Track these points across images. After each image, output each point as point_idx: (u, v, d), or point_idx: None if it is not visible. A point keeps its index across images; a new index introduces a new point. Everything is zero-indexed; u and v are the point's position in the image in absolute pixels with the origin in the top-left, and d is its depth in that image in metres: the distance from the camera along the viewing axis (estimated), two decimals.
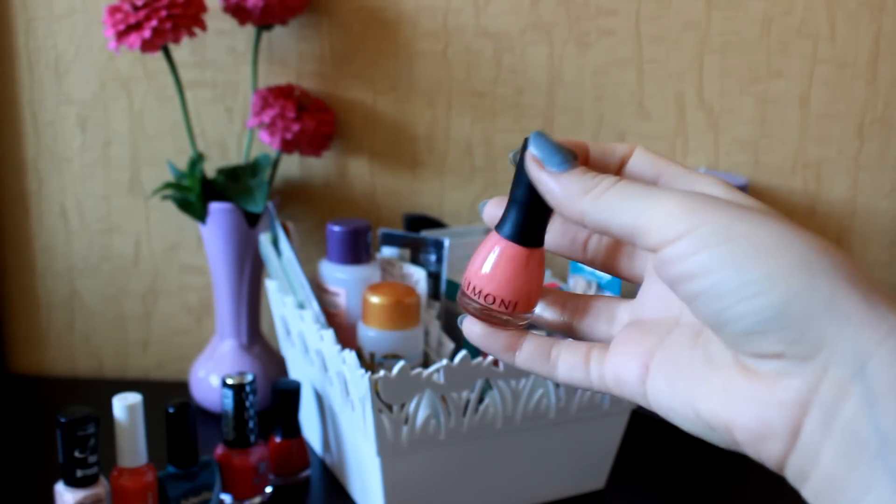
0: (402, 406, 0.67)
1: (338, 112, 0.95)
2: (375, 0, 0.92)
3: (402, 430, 0.68)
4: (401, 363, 0.66)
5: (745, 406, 0.31)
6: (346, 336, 0.79)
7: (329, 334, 0.71)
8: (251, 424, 0.73)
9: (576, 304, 0.40)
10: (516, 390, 0.70)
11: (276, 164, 0.90)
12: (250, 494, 0.74)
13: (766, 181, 0.95)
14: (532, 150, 0.35)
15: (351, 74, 0.94)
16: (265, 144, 0.91)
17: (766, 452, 0.31)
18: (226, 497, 0.74)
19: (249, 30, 0.92)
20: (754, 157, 0.95)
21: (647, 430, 0.87)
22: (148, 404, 0.68)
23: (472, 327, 0.39)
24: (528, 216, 0.37)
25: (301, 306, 0.79)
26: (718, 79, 0.93)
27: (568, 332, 0.40)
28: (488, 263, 0.38)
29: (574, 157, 0.35)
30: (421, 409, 0.68)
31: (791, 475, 0.31)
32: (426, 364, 0.75)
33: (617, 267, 0.40)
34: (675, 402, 0.34)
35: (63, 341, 1.02)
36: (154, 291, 1.00)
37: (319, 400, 0.79)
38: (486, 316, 0.38)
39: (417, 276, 0.80)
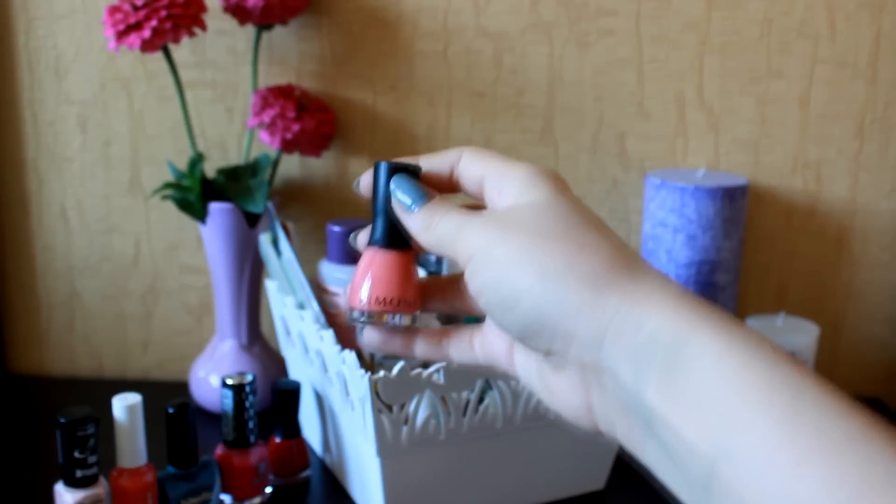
0: (402, 406, 0.67)
1: (338, 112, 0.95)
2: (375, 0, 0.92)
3: (402, 430, 0.68)
4: (401, 363, 0.66)
5: (559, 394, 0.38)
6: (346, 336, 0.79)
7: (329, 334, 0.71)
8: (251, 425, 0.73)
9: (451, 288, 0.45)
10: (516, 390, 0.70)
11: (276, 164, 0.90)
12: (250, 495, 0.74)
13: (766, 181, 0.95)
14: (394, 193, 0.41)
15: (351, 74, 0.94)
16: (265, 144, 0.91)
17: (583, 427, 0.37)
18: (226, 497, 0.74)
19: (249, 30, 0.92)
20: (754, 157, 0.95)
21: None
22: (148, 404, 0.68)
23: (370, 335, 0.44)
24: (391, 224, 0.42)
25: (301, 306, 0.79)
26: (718, 79, 0.93)
27: (456, 313, 0.45)
28: (366, 272, 0.41)
29: (427, 195, 0.41)
30: (421, 410, 0.68)
31: (611, 439, 0.36)
32: (426, 364, 0.75)
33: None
34: (529, 384, 0.40)
35: (63, 341, 1.02)
36: (154, 291, 1.00)
37: (319, 400, 0.79)
38: (375, 321, 0.42)
39: None
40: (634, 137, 0.95)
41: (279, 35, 0.93)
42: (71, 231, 0.99)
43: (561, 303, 0.35)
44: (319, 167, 0.96)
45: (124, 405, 0.65)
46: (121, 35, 0.80)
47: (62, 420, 0.62)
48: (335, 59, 0.94)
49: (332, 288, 0.81)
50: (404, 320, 0.42)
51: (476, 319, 0.44)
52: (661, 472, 0.33)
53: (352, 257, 0.81)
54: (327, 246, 0.82)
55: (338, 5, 0.93)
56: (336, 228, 0.81)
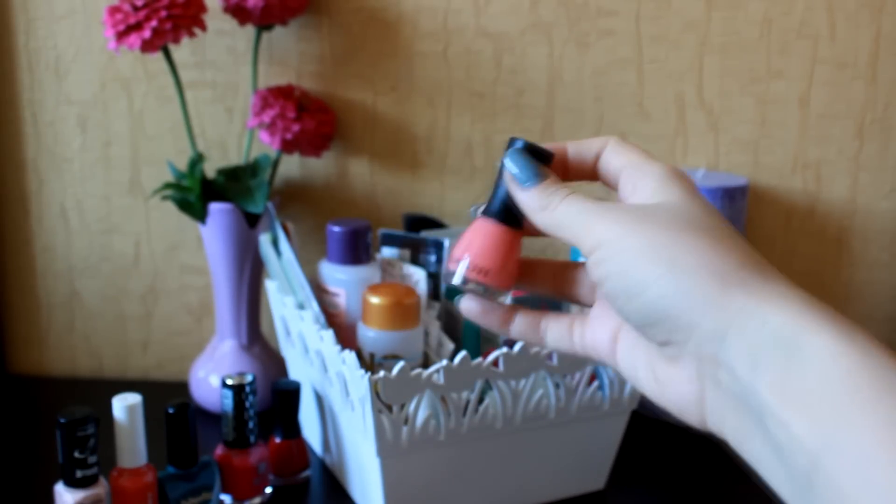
0: (402, 406, 0.67)
1: (338, 112, 0.95)
2: (375, 0, 0.92)
3: (402, 430, 0.68)
4: (401, 363, 0.66)
5: (669, 385, 0.39)
6: (345, 336, 0.79)
7: (329, 335, 0.71)
8: (251, 425, 0.73)
9: (563, 274, 0.46)
10: (516, 391, 0.70)
11: (276, 164, 0.90)
12: (250, 495, 0.74)
13: (766, 181, 0.95)
14: (507, 167, 0.42)
15: (351, 74, 0.94)
16: (265, 144, 0.91)
17: (689, 420, 0.38)
18: (226, 497, 0.74)
19: (249, 30, 0.92)
20: (754, 157, 0.95)
21: (647, 430, 0.87)
22: (148, 404, 0.68)
23: (469, 304, 0.45)
24: (505, 199, 0.43)
25: (301, 307, 0.79)
26: (718, 79, 0.93)
27: (558, 298, 0.46)
28: (471, 239, 0.43)
29: (541, 174, 0.41)
30: (421, 410, 0.68)
31: (717, 434, 0.37)
32: (426, 364, 0.75)
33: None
34: (633, 375, 0.41)
35: (63, 341, 1.02)
36: (154, 291, 1.00)
37: (319, 400, 0.80)
38: (465, 287, 0.43)
39: (417, 277, 0.80)
40: (634, 137, 0.95)
41: (279, 35, 0.93)
42: (71, 231, 0.99)
43: (689, 295, 0.36)
44: (319, 167, 0.96)
45: (124, 405, 0.65)
46: (121, 35, 0.80)
47: (62, 420, 0.62)
48: (335, 60, 0.94)
49: (332, 288, 0.81)
50: (495, 294, 0.43)
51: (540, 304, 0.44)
52: (765, 467, 0.34)
53: (354, 256, 0.81)
54: (327, 246, 0.82)
55: (338, 5, 0.93)
56: (336, 228, 0.81)
